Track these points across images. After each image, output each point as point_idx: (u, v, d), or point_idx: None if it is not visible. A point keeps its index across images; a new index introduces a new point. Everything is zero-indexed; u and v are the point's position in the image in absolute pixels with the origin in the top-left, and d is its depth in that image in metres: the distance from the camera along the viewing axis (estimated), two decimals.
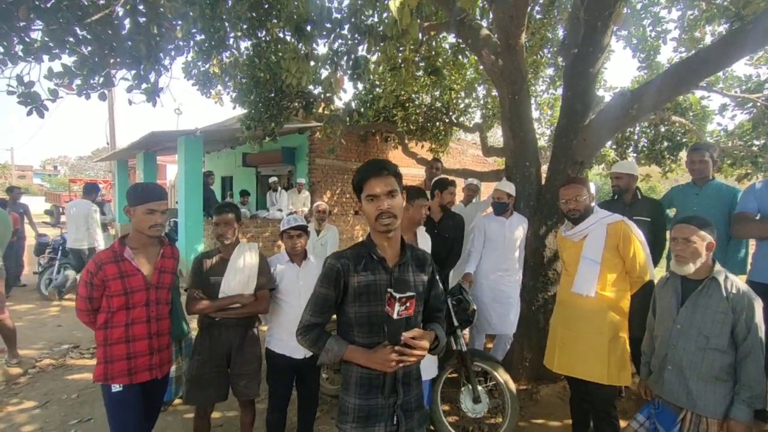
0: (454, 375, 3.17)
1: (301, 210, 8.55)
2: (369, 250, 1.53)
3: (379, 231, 1.50)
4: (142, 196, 2.08)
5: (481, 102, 8.73)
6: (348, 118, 7.39)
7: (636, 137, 7.89)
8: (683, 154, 7.69)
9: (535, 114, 9.36)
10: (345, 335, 1.53)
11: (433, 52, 6.68)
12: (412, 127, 8.75)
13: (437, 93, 8.33)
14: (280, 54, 5.95)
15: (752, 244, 3.00)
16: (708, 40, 6.16)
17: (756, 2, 4.93)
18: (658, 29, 6.48)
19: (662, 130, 7.52)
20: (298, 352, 2.68)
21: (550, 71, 8.03)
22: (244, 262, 2.57)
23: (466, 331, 3.80)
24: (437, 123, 8.92)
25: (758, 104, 6.81)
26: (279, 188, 8.96)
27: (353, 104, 7.72)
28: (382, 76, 7.29)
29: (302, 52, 4.66)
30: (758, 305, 1.84)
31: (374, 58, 7.11)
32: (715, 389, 1.85)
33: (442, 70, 6.83)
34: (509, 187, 3.61)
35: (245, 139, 7.32)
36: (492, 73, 3.98)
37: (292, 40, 5.05)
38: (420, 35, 6.18)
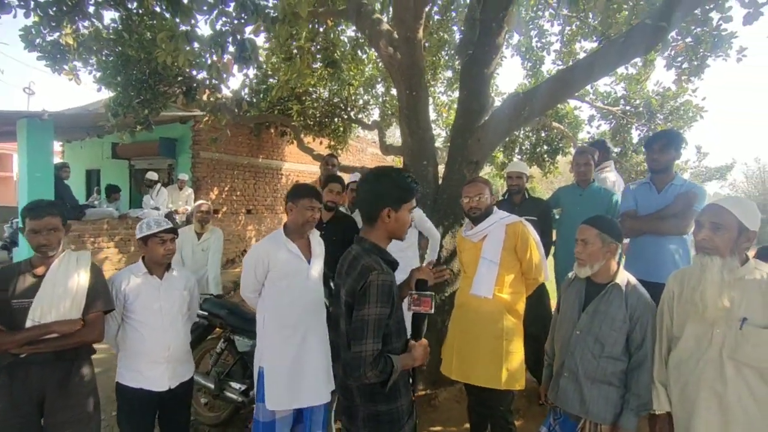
0: None
1: (184, 209, 7.63)
2: (384, 255, 1.52)
3: (399, 237, 1.59)
4: None
5: (380, 100, 8.67)
6: (236, 108, 6.73)
7: (520, 140, 8.50)
8: (560, 158, 8.48)
9: (433, 115, 9.59)
10: (384, 346, 1.47)
11: (331, 44, 6.38)
12: (309, 121, 8.35)
13: (335, 87, 8.05)
14: (156, 31, 5.14)
15: (624, 242, 3.23)
16: (581, 55, 6.81)
17: (618, 25, 5.58)
18: (543, 41, 7.01)
19: (543, 135, 8.20)
20: (161, 383, 2.21)
21: (448, 74, 8.24)
22: (68, 277, 1.98)
23: None
24: (336, 119, 8.65)
25: (617, 115, 7.78)
26: (157, 185, 7.87)
27: (242, 93, 7.08)
28: (276, 65, 6.78)
29: (180, 29, 4.01)
30: (653, 314, 1.84)
31: (267, 45, 6.61)
32: (607, 395, 1.84)
33: (340, 62, 6.56)
34: None
35: (111, 127, 6.25)
36: (390, 66, 3.83)
37: (167, 14, 4.35)
38: (317, 25, 5.85)
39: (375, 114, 9.11)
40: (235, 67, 4.20)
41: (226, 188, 9.03)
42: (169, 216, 7.45)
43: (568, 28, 6.73)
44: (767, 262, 2.15)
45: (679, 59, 5.83)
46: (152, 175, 7.83)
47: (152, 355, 2.19)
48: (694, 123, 7.41)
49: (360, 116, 8.77)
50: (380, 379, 1.41)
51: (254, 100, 7.45)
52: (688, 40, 5.42)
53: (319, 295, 2.53)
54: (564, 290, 2.12)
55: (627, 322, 1.81)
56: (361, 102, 8.63)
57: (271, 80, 7.42)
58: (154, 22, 5.22)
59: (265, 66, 7.05)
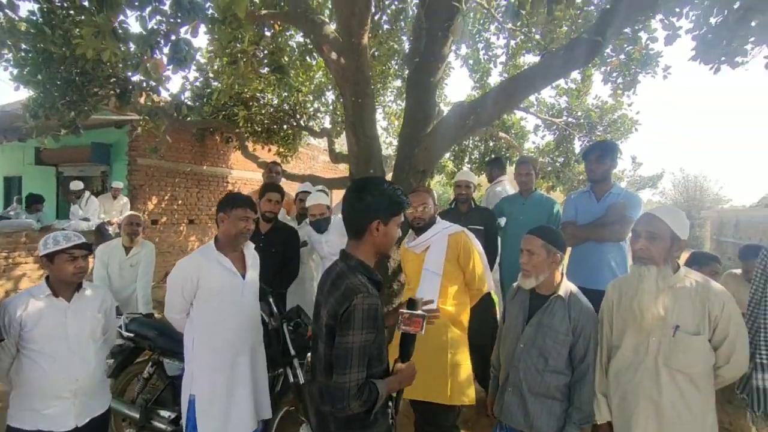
0: (292, 409, 2.75)
1: (118, 219, 7.07)
2: (370, 274, 1.43)
3: (386, 253, 1.54)
4: None
5: (330, 107, 8.53)
6: (175, 112, 6.34)
7: (470, 149, 8.66)
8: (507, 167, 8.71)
9: (384, 124, 9.57)
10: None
11: (278, 49, 6.18)
12: (257, 128, 8.06)
13: (285, 94, 7.83)
14: (83, 26, 4.73)
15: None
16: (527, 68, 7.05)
17: (559, 39, 5.84)
18: (490, 53, 7.19)
19: (491, 144, 8.39)
20: (65, 421, 1.95)
21: (397, 83, 8.25)
22: None
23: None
24: (284, 126, 8.40)
25: (560, 127, 8.11)
26: (86, 194, 7.23)
27: (182, 97, 6.69)
28: (220, 69, 6.49)
29: (111, 25, 3.69)
30: (596, 325, 1.83)
31: (210, 48, 6.30)
32: (551, 409, 1.81)
33: (287, 68, 6.36)
34: (325, 199, 3.26)
35: (30, 129, 5.69)
36: (335, 73, 3.73)
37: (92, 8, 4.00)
38: (264, 28, 5.64)
39: (326, 121, 8.96)
40: (170, 68, 3.94)
41: (167, 197, 8.50)
42: (101, 227, 6.89)
43: (513, 41, 6.95)
44: (698, 268, 2.24)
45: (614, 74, 6.20)
46: (77, 185, 7.18)
47: (55, 389, 1.92)
48: (630, 135, 7.87)
49: (311, 124, 8.58)
50: (365, 409, 1.33)
51: (196, 104, 7.08)
52: (622, 57, 5.78)
53: (255, 312, 2.36)
54: (509, 301, 2.08)
55: (570, 335, 1.78)
56: (311, 109, 8.44)
57: (215, 84, 7.09)
58: (83, 17, 4.81)
59: (208, 69, 6.73)
